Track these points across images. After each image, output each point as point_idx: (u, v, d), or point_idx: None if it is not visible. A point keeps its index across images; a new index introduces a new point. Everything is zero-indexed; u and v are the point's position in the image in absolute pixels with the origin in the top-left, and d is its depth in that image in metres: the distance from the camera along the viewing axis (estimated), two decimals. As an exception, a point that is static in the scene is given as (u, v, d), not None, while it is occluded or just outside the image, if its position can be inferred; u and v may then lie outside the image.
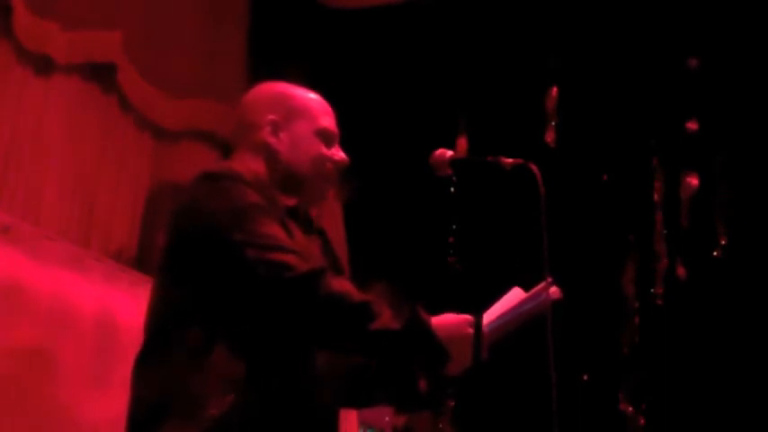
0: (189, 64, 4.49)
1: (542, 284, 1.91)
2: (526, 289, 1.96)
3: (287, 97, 2.10)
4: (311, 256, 1.84)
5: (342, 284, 1.77)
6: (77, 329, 3.28)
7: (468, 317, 1.84)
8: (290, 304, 1.75)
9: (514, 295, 1.97)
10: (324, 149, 2.04)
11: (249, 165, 1.98)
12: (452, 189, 4.53)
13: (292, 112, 2.06)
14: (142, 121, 4.28)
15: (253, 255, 1.76)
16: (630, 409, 4.43)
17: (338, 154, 2.07)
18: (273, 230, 1.80)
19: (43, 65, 3.80)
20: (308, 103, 2.09)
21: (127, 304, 3.51)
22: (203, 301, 1.81)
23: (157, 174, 4.36)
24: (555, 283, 1.87)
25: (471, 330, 1.81)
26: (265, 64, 4.86)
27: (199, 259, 1.81)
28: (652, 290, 4.52)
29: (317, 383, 1.87)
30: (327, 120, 2.08)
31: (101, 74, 4.08)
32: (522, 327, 1.97)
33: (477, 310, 1.85)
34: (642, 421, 4.41)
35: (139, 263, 4.14)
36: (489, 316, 1.93)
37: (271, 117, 2.05)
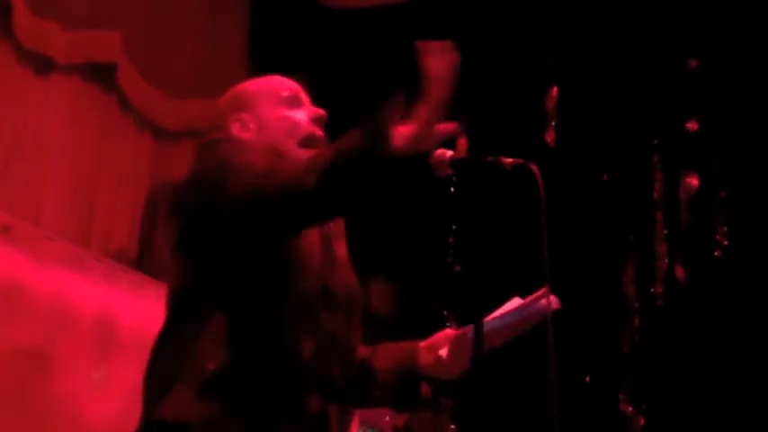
0: (189, 64, 4.49)
1: (539, 292, 1.91)
2: (525, 295, 1.97)
3: (240, 91, 2.12)
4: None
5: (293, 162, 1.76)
6: (77, 329, 3.28)
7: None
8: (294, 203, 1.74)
9: (512, 303, 1.97)
10: (293, 115, 2.04)
11: None
12: (452, 189, 4.53)
13: (249, 101, 2.08)
14: (142, 121, 4.28)
15: (242, 180, 1.77)
16: (630, 409, 4.43)
17: (312, 110, 2.06)
18: (253, 158, 1.81)
19: (43, 65, 3.80)
20: (259, 85, 2.11)
21: (127, 304, 3.51)
22: (209, 269, 1.85)
23: (157, 174, 4.36)
24: (554, 289, 1.86)
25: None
26: (265, 64, 4.85)
27: (199, 219, 1.87)
28: (652, 290, 4.52)
29: (305, 356, 1.87)
30: (283, 87, 2.09)
31: (101, 74, 4.08)
32: (519, 335, 1.97)
33: (478, 312, 1.85)
34: (642, 421, 4.41)
35: (139, 263, 4.14)
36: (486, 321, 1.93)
37: (234, 116, 2.08)
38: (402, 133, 1.72)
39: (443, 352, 2.01)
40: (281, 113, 2.05)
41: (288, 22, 5.00)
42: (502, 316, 1.95)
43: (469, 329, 1.92)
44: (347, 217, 1.97)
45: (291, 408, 1.83)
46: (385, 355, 2.09)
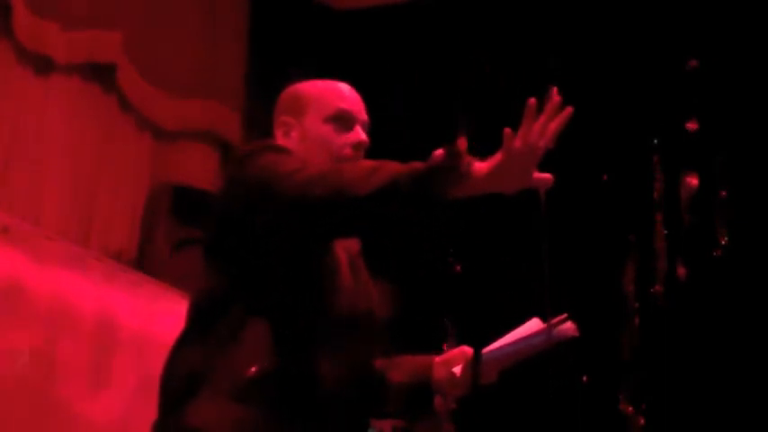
0: (189, 64, 4.49)
1: (559, 318, 1.91)
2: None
3: (294, 93, 2.07)
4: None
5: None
6: (77, 329, 3.28)
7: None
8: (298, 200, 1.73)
9: (530, 327, 1.96)
10: (336, 136, 1.99)
11: None
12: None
13: (301, 107, 2.03)
14: (142, 121, 4.28)
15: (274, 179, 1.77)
16: (630, 409, 4.43)
17: (355, 136, 2.00)
18: (297, 163, 1.80)
19: (43, 65, 3.81)
20: (312, 92, 2.05)
21: (127, 304, 3.51)
22: (246, 276, 1.84)
23: (157, 174, 4.36)
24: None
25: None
26: (265, 64, 4.86)
27: (239, 225, 1.84)
28: (652, 290, 4.52)
29: (331, 373, 1.87)
30: (340, 102, 2.02)
31: (101, 74, 4.08)
32: (532, 357, 1.97)
33: (477, 343, 1.85)
34: (642, 421, 4.41)
35: (139, 263, 4.14)
36: (502, 343, 1.94)
37: (282, 118, 2.04)
38: (476, 172, 1.70)
39: (457, 369, 2.01)
40: (324, 131, 1.99)
41: (288, 22, 5.00)
42: (520, 341, 1.94)
43: (487, 351, 1.93)
44: (386, 234, 1.92)
45: (317, 417, 1.82)
46: (400, 369, 2.10)
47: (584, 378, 4.41)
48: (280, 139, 2.02)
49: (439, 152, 1.66)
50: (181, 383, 1.82)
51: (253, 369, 1.76)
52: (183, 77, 4.44)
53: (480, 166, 1.69)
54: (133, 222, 4.19)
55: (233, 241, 1.87)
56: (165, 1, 4.41)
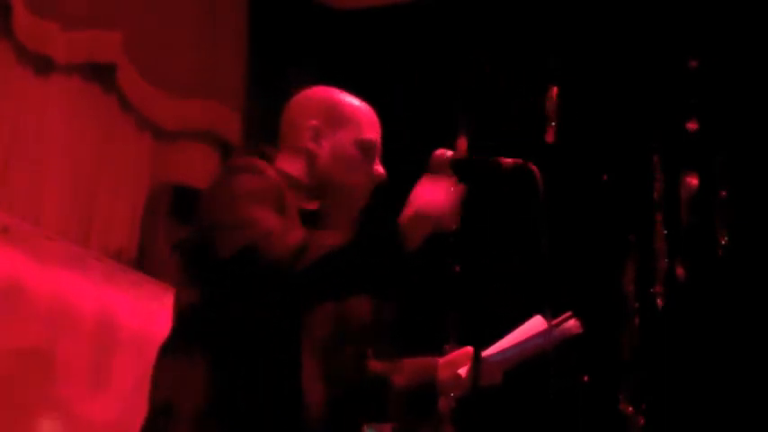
0: (189, 64, 4.49)
1: (563, 316, 1.91)
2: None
3: (334, 103, 2.08)
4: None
5: (293, 235, 1.73)
6: (77, 329, 3.28)
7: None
8: (240, 275, 1.75)
9: (534, 325, 1.96)
10: (362, 162, 2.03)
11: (287, 166, 1.99)
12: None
13: (336, 120, 2.05)
14: (142, 121, 4.28)
15: (227, 235, 1.77)
16: (630, 409, 4.43)
17: (376, 168, 2.05)
18: (260, 213, 1.79)
19: (43, 65, 3.80)
20: (354, 112, 2.07)
21: (127, 304, 3.51)
22: (203, 293, 1.84)
23: (157, 174, 4.36)
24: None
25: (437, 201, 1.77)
26: (266, 64, 4.86)
27: (198, 251, 1.85)
28: (652, 290, 4.52)
29: (310, 390, 1.85)
30: (371, 132, 2.06)
31: (101, 74, 4.08)
32: (536, 355, 1.97)
33: (477, 343, 1.85)
34: (642, 421, 4.41)
35: (139, 263, 4.14)
36: (506, 343, 1.94)
37: (313, 122, 2.04)
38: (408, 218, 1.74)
39: (462, 371, 2.01)
40: (354, 154, 2.02)
41: (288, 22, 5.00)
42: (524, 340, 1.94)
43: (491, 352, 1.93)
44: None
45: None
46: (403, 372, 2.11)
47: (585, 378, 4.41)
48: (306, 142, 2.02)
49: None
50: (164, 396, 1.82)
51: (211, 401, 1.73)
52: (183, 77, 4.44)
53: (402, 216, 1.74)
54: (133, 222, 4.18)
55: (202, 262, 1.85)
56: (165, 1, 4.41)
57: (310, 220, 1.93)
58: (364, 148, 2.04)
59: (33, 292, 3.13)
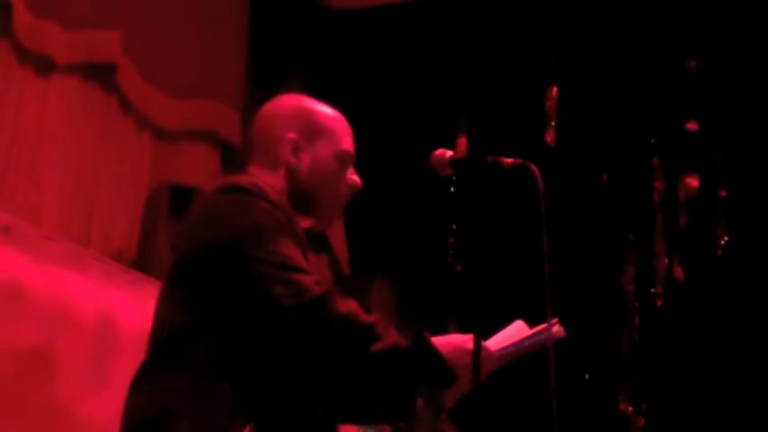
0: (189, 64, 4.49)
1: (547, 323, 1.90)
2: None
3: (309, 114, 2.06)
4: (323, 279, 1.82)
5: (349, 306, 1.76)
6: (77, 329, 3.28)
7: (467, 343, 1.84)
8: (302, 326, 1.73)
9: (517, 330, 1.96)
10: (341, 173, 2.03)
11: (268, 180, 1.94)
12: (452, 189, 4.53)
13: (314, 132, 2.03)
14: (142, 121, 4.28)
15: (271, 273, 1.74)
16: (630, 409, 4.43)
17: (353, 178, 2.05)
18: (292, 251, 1.79)
19: (43, 65, 3.80)
20: (330, 122, 2.06)
21: (127, 304, 3.51)
22: (216, 318, 1.76)
23: (157, 174, 4.36)
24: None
25: (469, 359, 1.82)
26: (265, 64, 4.86)
27: (213, 275, 1.78)
28: (652, 290, 4.52)
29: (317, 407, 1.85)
30: (348, 142, 2.06)
31: (101, 74, 4.08)
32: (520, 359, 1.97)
33: (478, 321, 1.84)
34: (642, 421, 4.41)
35: (139, 263, 4.14)
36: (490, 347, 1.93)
37: (291, 135, 2.02)
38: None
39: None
40: (333, 167, 2.02)
41: (288, 22, 5.00)
42: (503, 349, 1.93)
43: (482, 349, 1.92)
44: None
45: None
46: None
47: (585, 377, 4.42)
48: (285, 156, 2.00)
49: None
50: (143, 418, 1.75)
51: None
52: (183, 77, 4.44)
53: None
54: (133, 222, 4.19)
55: (207, 273, 1.79)
56: (165, 1, 4.41)
57: (306, 237, 1.92)
58: (342, 158, 2.03)
59: (33, 292, 3.13)
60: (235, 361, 1.74)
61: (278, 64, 4.85)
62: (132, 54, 4.13)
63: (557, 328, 1.90)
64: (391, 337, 1.76)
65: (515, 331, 1.95)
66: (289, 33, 4.99)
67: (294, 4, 5.02)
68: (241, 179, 1.92)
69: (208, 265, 1.78)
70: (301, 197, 1.98)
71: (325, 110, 2.08)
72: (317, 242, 1.98)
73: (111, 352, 3.39)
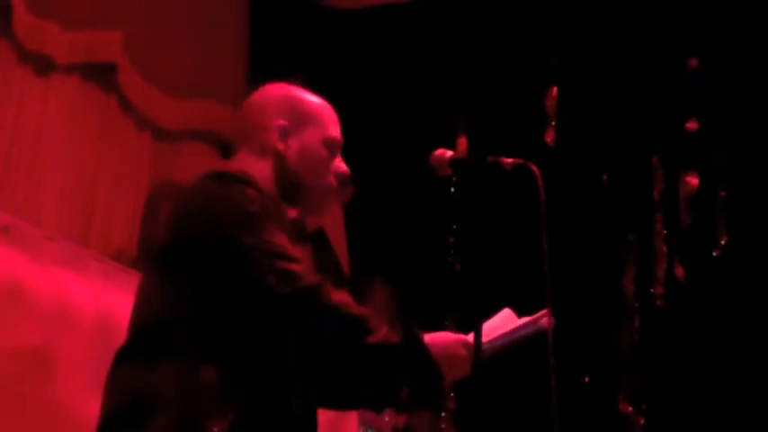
0: (189, 64, 4.49)
1: (539, 314, 1.90)
2: (521, 309, 1.96)
3: (297, 102, 2.06)
4: (310, 268, 1.82)
5: (341, 297, 1.77)
6: (77, 329, 3.28)
7: (461, 337, 1.85)
8: (296, 314, 1.74)
9: (507, 318, 1.96)
10: (328, 160, 2.02)
11: (256, 168, 1.93)
12: (452, 189, 4.53)
13: (302, 119, 2.03)
14: (142, 121, 4.28)
15: (261, 261, 1.74)
16: (630, 409, 4.43)
17: (341, 165, 2.04)
18: (281, 239, 1.79)
19: (43, 65, 3.80)
20: (317, 110, 2.05)
21: (127, 304, 3.49)
22: (205, 306, 1.75)
23: (157, 174, 4.36)
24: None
25: (464, 351, 1.83)
26: (265, 64, 4.86)
27: (203, 261, 1.76)
28: (652, 290, 4.52)
29: (299, 393, 1.85)
30: (335, 129, 2.05)
31: (101, 74, 4.08)
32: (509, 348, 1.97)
33: (477, 315, 1.85)
34: (642, 421, 4.41)
35: (139, 263, 4.14)
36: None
37: (280, 122, 2.02)
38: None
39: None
40: (321, 153, 2.01)
41: (288, 22, 5.00)
42: (493, 339, 1.93)
43: (471, 336, 1.92)
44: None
45: None
46: None
47: (585, 378, 4.42)
48: (274, 142, 2.00)
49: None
50: (122, 412, 1.77)
51: (215, 429, 1.67)
52: (183, 77, 4.44)
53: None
54: (133, 222, 4.19)
55: (193, 261, 1.78)
56: (165, 1, 4.41)
57: (291, 226, 1.93)
58: (330, 145, 2.02)
59: (33, 292, 3.13)
60: (223, 349, 1.74)
61: (278, 64, 4.84)
62: (132, 54, 4.14)
63: (545, 320, 1.89)
64: (382, 331, 1.76)
65: (503, 320, 1.95)
66: (289, 33, 4.99)
67: (294, 4, 5.02)
68: (229, 166, 1.93)
69: (198, 252, 1.77)
70: (289, 184, 1.98)
71: (313, 98, 2.08)
72: (301, 233, 1.99)
73: (111, 352, 3.38)
